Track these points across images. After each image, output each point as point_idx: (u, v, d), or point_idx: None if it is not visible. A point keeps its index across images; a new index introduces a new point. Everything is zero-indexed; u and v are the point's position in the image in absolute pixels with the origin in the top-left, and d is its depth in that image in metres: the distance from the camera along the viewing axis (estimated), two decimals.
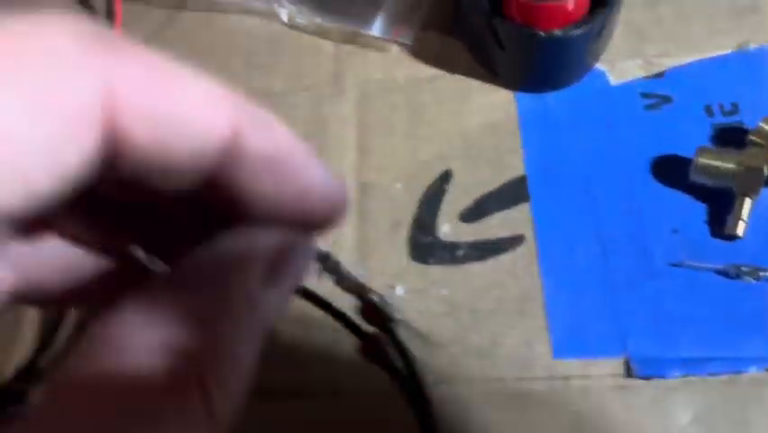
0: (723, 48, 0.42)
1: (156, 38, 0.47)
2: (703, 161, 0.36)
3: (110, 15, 0.47)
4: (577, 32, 0.38)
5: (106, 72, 0.13)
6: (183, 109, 0.14)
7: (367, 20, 0.45)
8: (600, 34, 0.40)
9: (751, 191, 0.35)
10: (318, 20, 0.45)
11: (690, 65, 0.42)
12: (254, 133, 0.15)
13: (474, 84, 0.43)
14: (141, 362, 0.14)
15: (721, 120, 0.39)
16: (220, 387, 0.15)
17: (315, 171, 0.17)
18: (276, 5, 0.46)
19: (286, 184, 0.16)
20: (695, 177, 0.36)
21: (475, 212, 0.38)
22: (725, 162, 0.36)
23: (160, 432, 0.13)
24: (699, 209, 0.37)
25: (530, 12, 0.38)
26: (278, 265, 0.17)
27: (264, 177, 0.16)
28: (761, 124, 0.37)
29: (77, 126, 0.13)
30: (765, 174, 0.35)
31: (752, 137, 0.37)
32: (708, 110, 0.40)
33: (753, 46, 0.42)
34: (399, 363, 0.34)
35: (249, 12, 0.47)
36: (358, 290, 0.34)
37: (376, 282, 0.36)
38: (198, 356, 0.15)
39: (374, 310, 0.35)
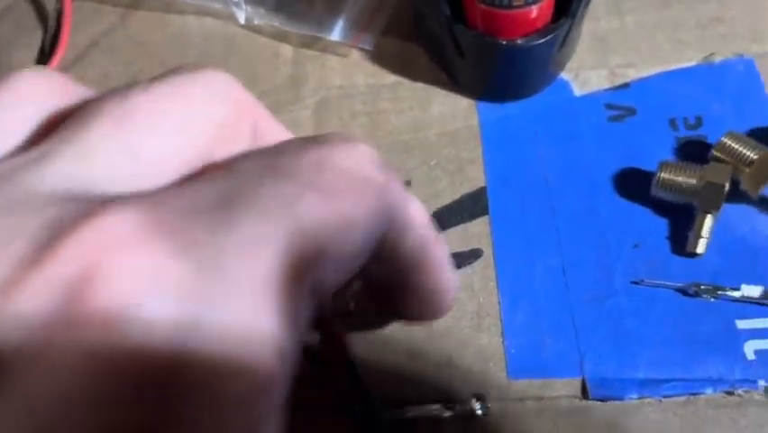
0: (689, 60, 0.42)
1: (107, 38, 0.45)
2: (665, 176, 0.35)
3: (60, 15, 0.45)
4: (540, 41, 0.37)
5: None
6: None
7: (327, 24, 0.43)
8: (564, 44, 0.39)
9: (712, 208, 0.34)
10: (277, 23, 0.44)
11: (655, 77, 0.41)
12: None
13: (435, 92, 0.42)
14: None
15: (685, 133, 0.39)
16: None
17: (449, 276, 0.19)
18: (234, 7, 0.44)
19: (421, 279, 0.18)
20: (656, 192, 0.36)
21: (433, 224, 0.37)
22: (686, 178, 0.35)
23: None
24: (660, 224, 0.36)
25: (492, 20, 0.37)
26: None
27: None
28: (723, 140, 0.36)
29: None
30: (727, 191, 0.35)
31: (714, 152, 0.36)
32: (673, 123, 0.39)
33: (718, 59, 0.41)
34: (348, 384, 0.33)
35: (206, 13, 0.46)
36: None
37: None
38: None
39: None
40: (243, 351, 0.11)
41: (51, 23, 0.47)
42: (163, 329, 0.10)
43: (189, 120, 0.14)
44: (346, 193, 0.14)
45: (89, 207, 0.11)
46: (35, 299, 0.10)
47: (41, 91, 0.15)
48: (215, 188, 0.13)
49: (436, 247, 0.18)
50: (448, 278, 0.19)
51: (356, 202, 0.14)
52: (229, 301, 0.11)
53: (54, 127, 0.14)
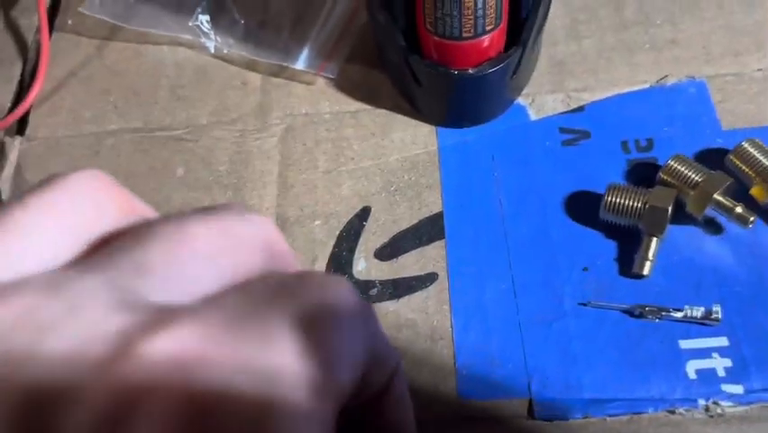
0: (643, 82, 0.43)
1: (84, 69, 0.47)
2: (611, 200, 0.36)
3: (38, 47, 0.47)
4: (492, 69, 0.39)
5: None
6: None
7: (293, 53, 0.45)
8: (517, 71, 0.40)
9: (656, 231, 0.36)
10: (245, 53, 0.45)
11: (609, 100, 0.42)
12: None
13: (397, 118, 0.43)
14: None
15: (636, 156, 0.40)
16: None
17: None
18: (203, 38, 0.46)
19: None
20: (604, 215, 0.37)
21: (391, 249, 0.39)
22: (632, 202, 0.36)
23: None
24: (609, 247, 0.37)
25: (445, 50, 0.38)
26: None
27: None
28: (670, 163, 0.37)
29: None
30: (671, 214, 0.36)
31: (661, 175, 0.37)
32: (625, 146, 0.40)
33: (671, 81, 0.42)
34: None
35: (178, 43, 0.47)
36: None
37: None
38: None
39: None
40: None
41: (31, 54, 0.49)
42: None
43: None
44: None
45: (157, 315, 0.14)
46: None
47: (100, 204, 0.16)
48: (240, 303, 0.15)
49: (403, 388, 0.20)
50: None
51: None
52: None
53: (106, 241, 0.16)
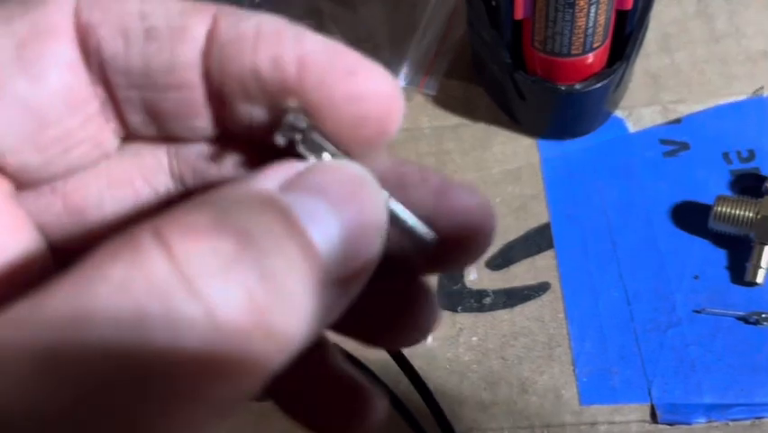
0: (738, 94, 0.44)
1: None
2: (721, 210, 0.37)
3: None
4: (597, 85, 0.40)
5: None
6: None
7: (393, 70, 0.46)
8: (619, 85, 0.41)
9: None
10: None
11: (706, 111, 0.43)
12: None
13: (497, 131, 0.44)
14: None
15: (739, 166, 0.41)
16: None
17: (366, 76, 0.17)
18: None
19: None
20: (714, 225, 0.38)
21: (501, 259, 0.40)
22: (742, 211, 0.37)
23: None
24: (719, 255, 0.38)
25: (551, 66, 0.40)
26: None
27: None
28: None
29: None
30: None
31: None
32: (726, 157, 0.41)
33: (767, 92, 0.43)
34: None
35: None
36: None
37: None
38: None
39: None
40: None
41: None
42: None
43: None
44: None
45: None
46: None
47: None
48: None
49: None
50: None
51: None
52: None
53: None
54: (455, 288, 0.39)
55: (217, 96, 0.17)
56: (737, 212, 0.37)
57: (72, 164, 0.17)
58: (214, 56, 0.16)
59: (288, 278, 0.13)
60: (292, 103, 0.16)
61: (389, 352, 0.36)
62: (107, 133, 0.17)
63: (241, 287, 0.12)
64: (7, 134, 0.16)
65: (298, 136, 0.16)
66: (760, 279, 0.36)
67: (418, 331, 0.20)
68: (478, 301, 0.39)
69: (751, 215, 0.37)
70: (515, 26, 0.40)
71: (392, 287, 0.19)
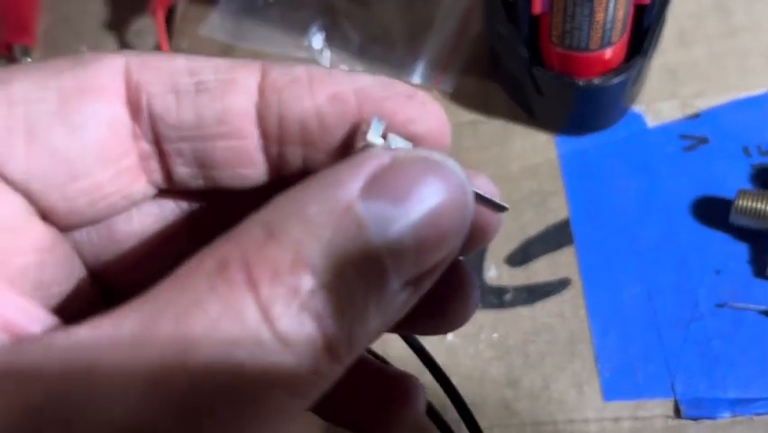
0: (757, 87, 0.43)
1: None
2: (743, 203, 0.37)
3: None
4: (615, 80, 0.40)
5: None
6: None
7: (408, 67, 0.46)
8: (637, 80, 0.41)
9: None
10: (360, 68, 0.47)
11: (724, 105, 0.43)
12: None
13: (514, 128, 0.44)
14: None
15: (759, 160, 0.41)
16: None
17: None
18: (318, 56, 0.48)
19: None
20: (735, 219, 0.37)
21: (521, 256, 0.40)
22: (764, 205, 0.37)
23: None
24: (741, 250, 0.38)
25: (569, 61, 0.40)
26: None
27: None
28: None
29: None
30: None
31: None
32: (746, 150, 0.41)
33: None
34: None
35: (294, 59, 0.49)
36: None
37: None
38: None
39: None
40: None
41: None
42: None
43: None
44: None
45: None
46: None
47: None
48: None
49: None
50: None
51: None
52: None
53: None
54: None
55: (274, 143, 0.17)
56: (759, 206, 0.37)
57: (99, 214, 0.18)
58: (271, 102, 0.17)
59: (362, 309, 0.14)
60: (364, 125, 0.17)
61: (412, 347, 0.36)
62: (140, 185, 0.18)
63: (315, 323, 0.14)
64: (36, 179, 0.16)
65: (379, 140, 0.17)
66: None
67: (462, 313, 0.20)
68: (498, 298, 0.39)
69: None
70: (532, 21, 0.40)
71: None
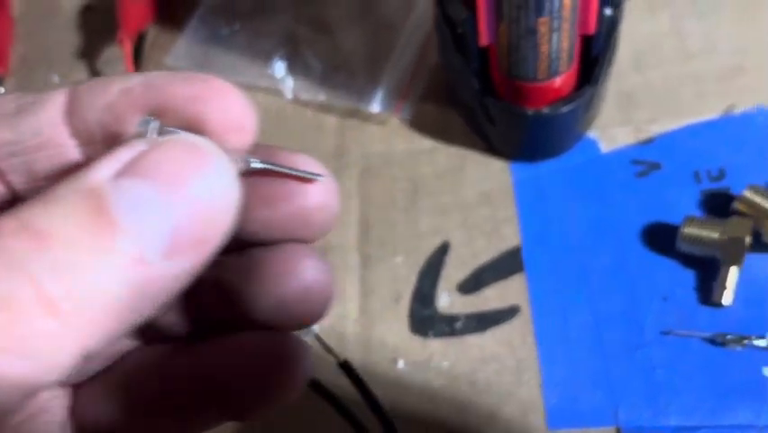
0: (711, 111, 0.44)
1: None
2: (688, 231, 0.38)
3: None
4: (564, 108, 0.40)
5: None
6: None
7: (368, 96, 0.47)
8: (589, 107, 0.41)
9: (735, 261, 0.37)
10: (321, 97, 0.48)
11: (678, 131, 0.43)
12: None
13: (470, 155, 0.45)
14: None
15: (709, 186, 0.41)
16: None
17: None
18: (280, 84, 0.48)
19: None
20: (681, 246, 0.38)
21: (472, 283, 0.40)
22: (709, 232, 0.37)
23: None
24: (688, 276, 0.39)
25: (518, 91, 0.40)
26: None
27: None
28: (744, 193, 0.38)
29: None
30: (748, 244, 0.37)
31: (736, 205, 0.38)
32: (697, 176, 0.41)
33: (739, 110, 0.43)
34: None
35: (256, 89, 0.50)
36: None
37: (377, 355, 0.38)
38: None
39: None
40: None
41: None
42: None
43: None
44: None
45: None
46: None
47: None
48: None
49: None
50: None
51: None
52: None
53: None
54: (426, 313, 0.40)
55: (88, 145, 0.19)
56: (703, 233, 0.37)
57: None
58: (74, 108, 0.18)
59: (88, 271, 0.15)
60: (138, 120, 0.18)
61: (351, 379, 0.37)
62: None
63: (29, 281, 0.14)
64: None
65: (153, 126, 0.17)
66: (726, 300, 0.37)
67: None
68: (449, 326, 0.39)
69: (716, 236, 0.37)
70: (481, 53, 0.40)
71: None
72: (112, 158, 0.16)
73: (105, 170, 0.16)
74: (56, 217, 0.15)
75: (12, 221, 0.15)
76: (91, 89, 0.18)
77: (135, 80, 0.18)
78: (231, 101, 0.18)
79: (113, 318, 0.15)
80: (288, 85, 0.49)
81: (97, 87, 0.18)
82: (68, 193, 0.15)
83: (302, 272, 0.20)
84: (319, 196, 0.20)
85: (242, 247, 0.21)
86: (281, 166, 0.19)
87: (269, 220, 0.20)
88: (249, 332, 0.20)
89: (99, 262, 0.15)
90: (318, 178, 0.20)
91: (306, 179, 0.19)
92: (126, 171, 0.16)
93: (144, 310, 0.16)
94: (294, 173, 0.19)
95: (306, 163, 0.20)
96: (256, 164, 0.19)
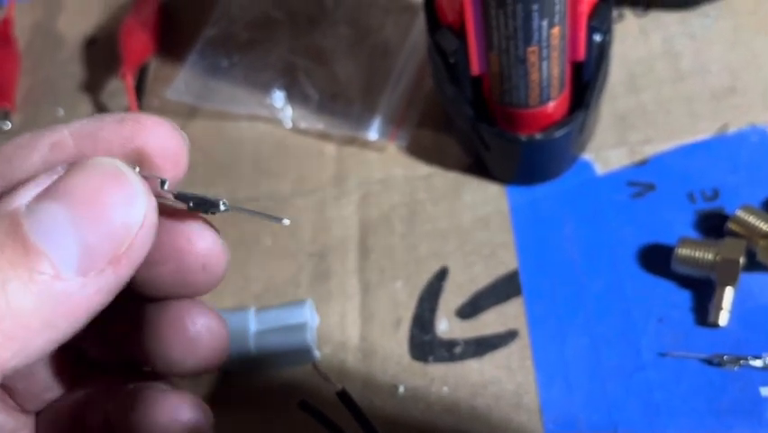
0: (704, 132, 0.44)
1: None
2: (683, 252, 0.38)
3: None
4: (557, 133, 0.41)
5: None
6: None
7: (365, 123, 0.48)
8: (582, 131, 0.42)
9: (730, 281, 0.37)
10: (320, 126, 0.48)
11: (672, 151, 0.44)
12: None
13: (467, 180, 0.45)
14: None
15: (703, 206, 0.41)
16: None
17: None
18: (280, 114, 0.49)
19: None
20: (676, 267, 0.38)
21: (471, 308, 0.41)
22: (704, 253, 0.38)
23: None
24: (683, 297, 0.39)
25: (512, 117, 0.41)
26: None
27: None
28: (738, 214, 0.38)
29: None
30: (742, 264, 0.37)
31: (730, 226, 0.39)
32: (691, 196, 0.42)
33: (732, 129, 0.44)
34: None
35: (256, 119, 0.50)
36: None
37: (379, 382, 0.39)
38: None
39: None
40: None
41: None
42: None
43: None
44: None
45: None
46: None
47: None
48: None
49: None
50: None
51: None
52: None
53: None
54: (426, 338, 0.40)
55: None
56: (698, 254, 0.38)
57: None
58: (5, 173, 0.19)
59: (5, 288, 0.15)
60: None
61: (347, 405, 0.37)
62: None
63: None
64: None
65: None
66: (722, 321, 0.37)
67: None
68: (448, 351, 0.40)
69: (711, 257, 0.37)
70: (474, 81, 0.41)
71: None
72: (32, 183, 0.17)
73: (24, 195, 0.17)
74: None
75: None
76: (19, 148, 0.19)
77: (65, 131, 0.19)
78: (164, 135, 0.19)
79: (32, 333, 0.16)
80: (288, 114, 0.49)
81: (25, 144, 0.19)
82: None
83: (187, 327, 0.21)
84: (198, 258, 0.21)
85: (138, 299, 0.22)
86: (249, 211, 0.20)
87: (150, 279, 0.21)
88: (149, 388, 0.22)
89: (16, 280, 0.16)
90: (283, 222, 0.20)
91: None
92: (43, 195, 0.17)
93: (63, 326, 0.16)
94: (261, 217, 0.20)
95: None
96: (224, 207, 0.20)
